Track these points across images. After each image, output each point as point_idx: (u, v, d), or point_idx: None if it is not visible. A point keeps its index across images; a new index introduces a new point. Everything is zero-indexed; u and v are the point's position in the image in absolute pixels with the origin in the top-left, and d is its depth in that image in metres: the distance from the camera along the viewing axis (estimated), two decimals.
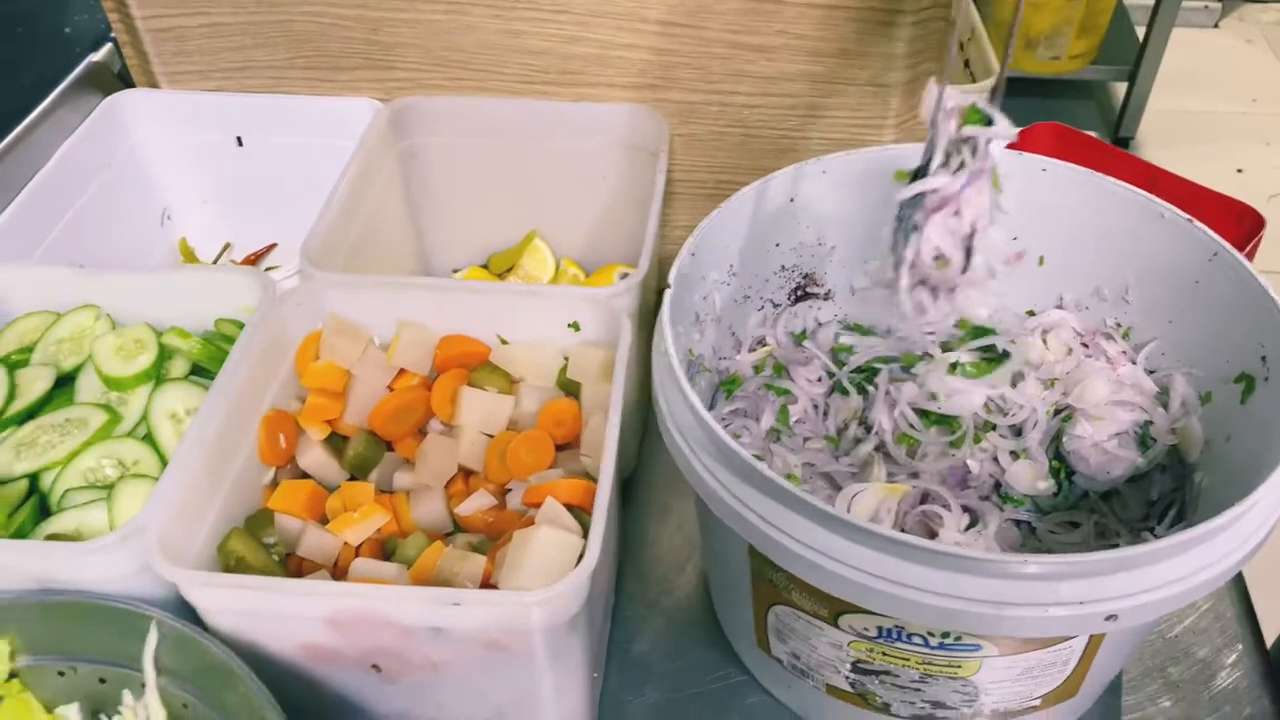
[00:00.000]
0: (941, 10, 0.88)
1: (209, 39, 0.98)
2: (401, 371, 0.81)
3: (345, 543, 0.73)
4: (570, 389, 0.80)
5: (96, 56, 1.02)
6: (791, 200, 0.81)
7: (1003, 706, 0.70)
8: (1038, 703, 0.70)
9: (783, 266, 0.86)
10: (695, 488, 0.64)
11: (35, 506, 0.71)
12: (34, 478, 0.74)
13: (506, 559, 0.63)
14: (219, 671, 0.63)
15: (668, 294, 0.69)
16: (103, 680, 0.67)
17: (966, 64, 1.08)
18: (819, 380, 0.86)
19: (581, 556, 0.60)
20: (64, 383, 0.81)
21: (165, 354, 0.80)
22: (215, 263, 1.13)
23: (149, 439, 0.75)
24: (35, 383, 0.79)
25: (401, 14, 0.94)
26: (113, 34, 1.03)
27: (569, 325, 0.79)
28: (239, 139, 1.04)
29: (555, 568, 0.62)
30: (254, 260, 1.12)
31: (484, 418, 0.79)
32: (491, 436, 0.79)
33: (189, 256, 1.13)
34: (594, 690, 0.74)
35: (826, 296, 0.90)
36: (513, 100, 0.98)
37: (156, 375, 0.79)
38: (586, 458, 0.75)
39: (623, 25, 0.92)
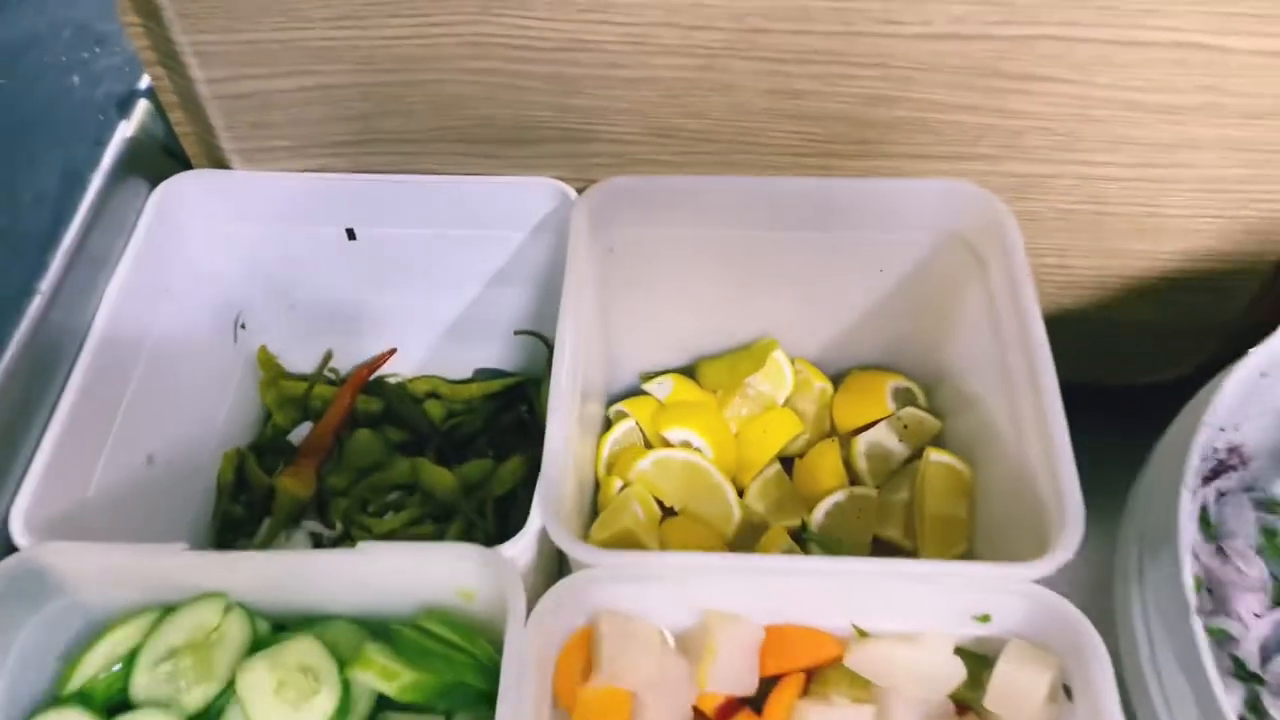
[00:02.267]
0: None
1: (309, 106, 0.64)
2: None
3: None
4: (970, 704, 0.53)
5: (128, 129, 0.68)
6: None
7: None
8: None
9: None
10: None
11: None
12: None
13: None
14: None
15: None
16: None
17: None
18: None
19: None
20: None
21: (349, 690, 0.52)
22: (312, 375, 0.83)
23: None
24: None
25: (620, 71, 0.61)
26: (141, 87, 0.69)
27: (976, 618, 0.52)
28: (350, 231, 0.72)
29: None
30: (365, 376, 0.81)
31: None
32: None
33: (270, 368, 0.82)
34: None
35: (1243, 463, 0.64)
36: (766, 179, 0.67)
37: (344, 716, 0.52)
38: None
39: (965, 83, 0.60)
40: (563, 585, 0.51)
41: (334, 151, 0.67)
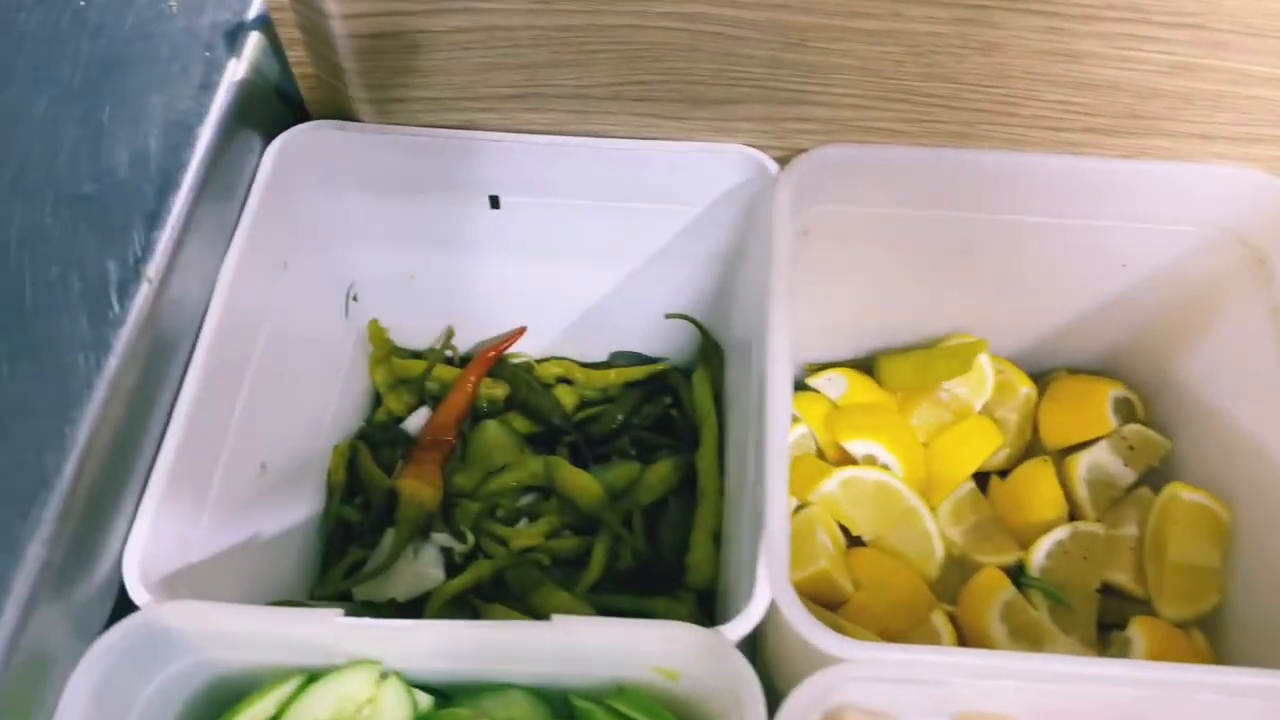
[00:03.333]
0: None
1: (467, 50, 0.52)
2: None
3: None
4: None
5: (238, 69, 0.56)
6: None
7: None
8: None
9: None
10: None
11: None
12: None
13: None
14: None
15: None
16: None
17: None
18: None
19: None
20: None
21: None
22: (431, 352, 0.72)
23: None
24: None
25: (864, 22, 0.48)
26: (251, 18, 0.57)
27: None
28: (494, 198, 0.60)
29: None
30: (497, 352, 0.70)
31: None
32: None
33: (381, 344, 0.71)
34: None
35: None
36: (1009, 155, 0.55)
37: None
38: None
39: None
40: (813, 685, 0.41)
41: (486, 106, 0.55)
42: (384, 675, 0.45)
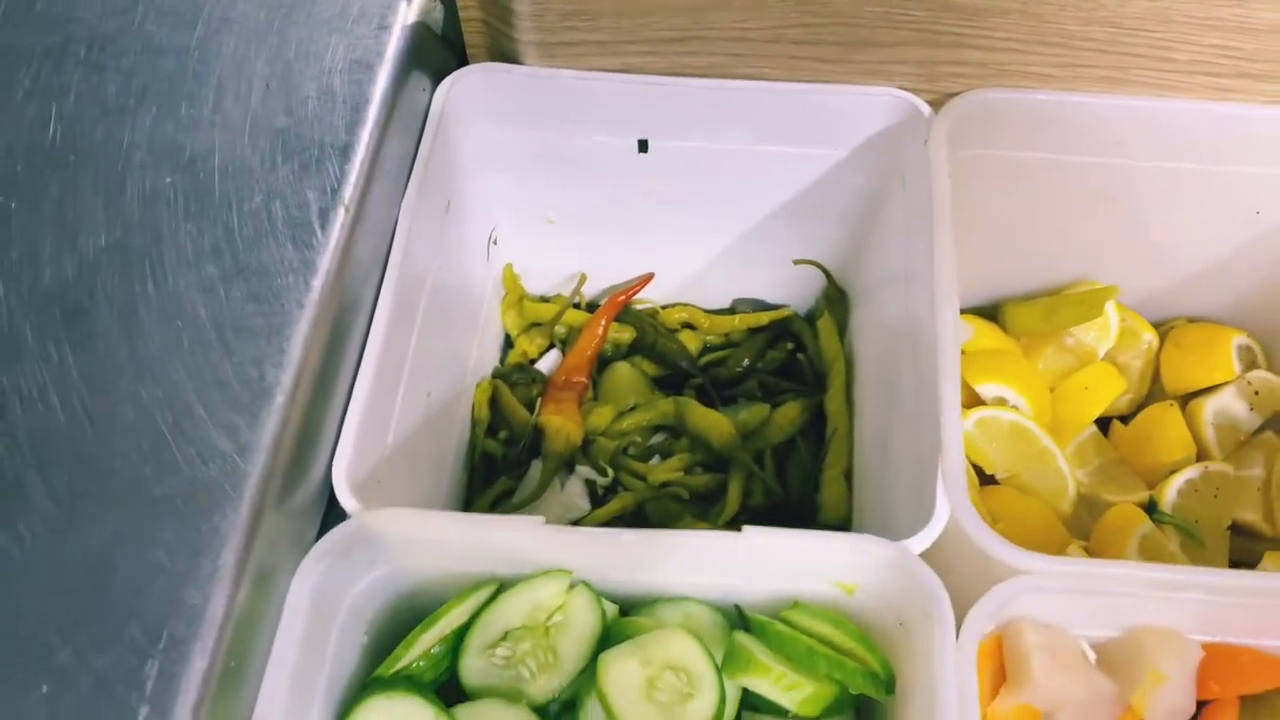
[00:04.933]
0: None
1: None
2: (1128, 710, 0.46)
3: None
4: None
5: (409, 12, 0.58)
6: None
7: None
8: None
9: None
10: None
11: None
12: None
13: None
14: None
15: None
16: None
17: None
18: None
19: None
20: None
21: (724, 695, 0.45)
22: (559, 297, 0.74)
23: None
24: None
25: None
26: None
27: None
28: (643, 142, 0.62)
29: None
30: (622, 303, 0.73)
31: None
32: None
33: (514, 288, 0.74)
34: None
35: None
36: (1164, 101, 0.56)
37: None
38: None
39: None
40: (996, 596, 0.43)
41: (647, 50, 0.57)
42: (573, 585, 0.48)
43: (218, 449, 0.43)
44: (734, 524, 0.65)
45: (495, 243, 0.70)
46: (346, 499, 0.46)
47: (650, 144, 0.62)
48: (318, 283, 0.48)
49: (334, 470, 0.47)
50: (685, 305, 0.75)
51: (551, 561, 0.47)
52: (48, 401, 0.44)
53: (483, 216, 0.67)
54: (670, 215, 0.68)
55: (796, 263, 0.71)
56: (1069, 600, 0.45)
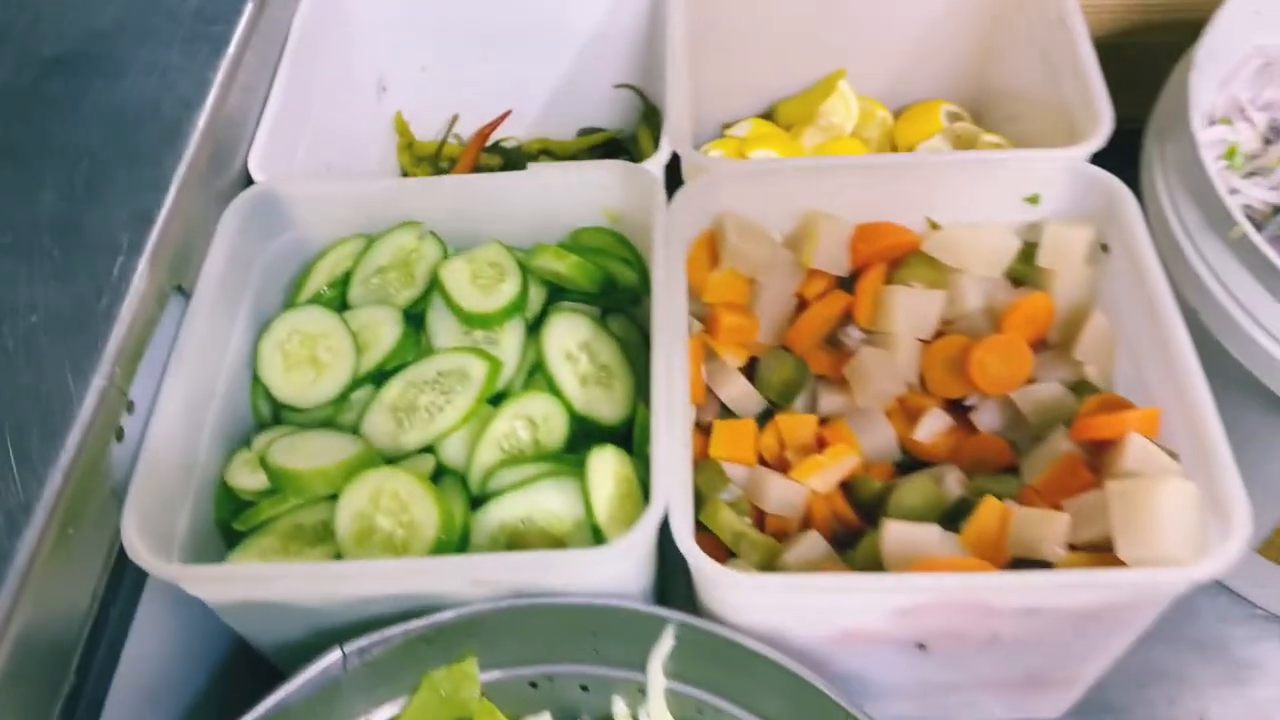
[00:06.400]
0: None
1: None
2: (810, 274, 0.67)
3: (812, 490, 0.61)
4: (1024, 279, 0.66)
5: None
6: None
7: None
8: None
9: None
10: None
11: (462, 494, 0.59)
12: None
13: (1122, 519, 0.50)
14: (751, 669, 0.52)
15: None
16: (585, 688, 0.57)
17: None
18: None
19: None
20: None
21: (526, 275, 0.65)
22: (439, 138, 0.96)
23: (552, 388, 0.62)
24: (380, 328, 0.64)
25: None
26: None
27: (1025, 199, 0.65)
28: None
29: (1186, 530, 0.50)
30: (487, 134, 0.94)
31: (916, 321, 0.65)
32: (925, 342, 0.66)
33: (405, 133, 0.95)
34: None
35: None
36: None
37: (522, 305, 0.65)
38: (1088, 366, 0.62)
39: None
40: (691, 186, 0.64)
41: None
42: (424, 234, 0.68)
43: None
44: None
45: (384, 89, 0.92)
46: (257, 174, 0.67)
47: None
48: (231, 50, 0.69)
49: (250, 162, 0.67)
50: (541, 137, 0.97)
51: (405, 216, 0.68)
52: None
53: (364, 66, 0.89)
54: (508, 55, 0.90)
55: (616, 87, 0.93)
56: (758, 198, 0.66)
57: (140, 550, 0.50)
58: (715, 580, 0.49)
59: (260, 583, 0.53)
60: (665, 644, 0.53)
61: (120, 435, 0.55)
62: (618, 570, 0.52)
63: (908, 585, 0.49)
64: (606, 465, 0.55)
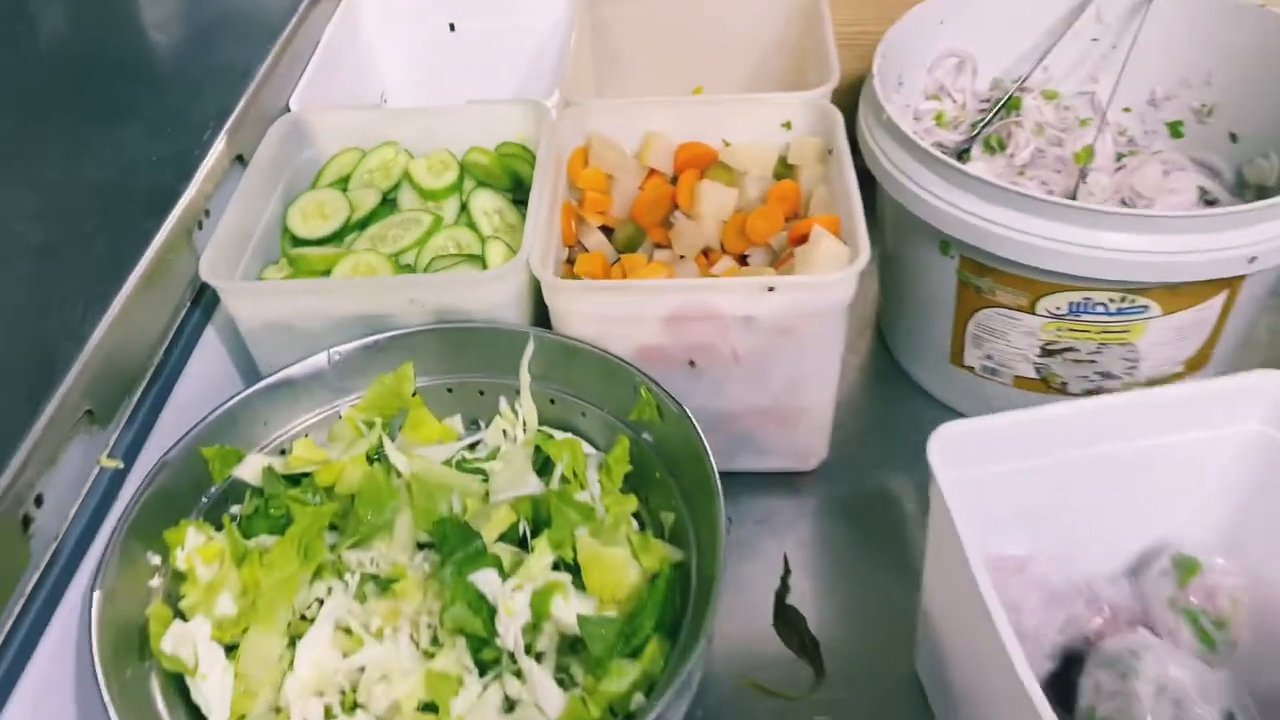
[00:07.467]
0: None
1: None
2: (650, 173, 1.02)
3: None
4: (781, 175, 1.01)
5: None
6: None
7: (1154, 372, 0.92)
8: (1180, 368, 0.92)
9: None
10: (909, 206, 0.87)
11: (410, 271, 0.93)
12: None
13: (798, 263, 0.84)
14: (582, 362, 0.84)
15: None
16: (481, 392, 0.88)
17: None
18: None
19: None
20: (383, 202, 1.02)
21: (464, 170, 1.01)
22: None
23: (473, 229, 0.96)
24: (366, 199, 1.00)
25: None
26: None
27: (782, 125, 1.01)
28: (451, 24, 1.24)
29: (835, 264, 0.83)
30: None
31: (718, 206, 1.00)
32: (724, 222, 1.00)
33: None
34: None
35: None
36: None
37: (460, 187, 1.00)
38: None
39: None
40: (569, 113, 1.00)
41: None
42: (399, 151, 1.04)
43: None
44: None
45: (385, 100, 1.30)
46: (295, 106, 1.04)
47: (456, 25, 1.25)
48: None
49: (292, 102, 1.05)
50: None
51: (390, 136, 1.04)
52: None
53: (371, 80, 1.28)
54: (484, 74, 1.29)
55: None
56: (616, 125, 1.02)
57: (210, 276, 0.84)
58: (550, 287, 0.82)
59: (279, 296, 0.86)
60: (529, 350, 0.85)
61: (201, 225, 0.90)
62: (501, 295, 0.85)
63: (659, 286, 0.83)
64: (497, 250, 0.90)
